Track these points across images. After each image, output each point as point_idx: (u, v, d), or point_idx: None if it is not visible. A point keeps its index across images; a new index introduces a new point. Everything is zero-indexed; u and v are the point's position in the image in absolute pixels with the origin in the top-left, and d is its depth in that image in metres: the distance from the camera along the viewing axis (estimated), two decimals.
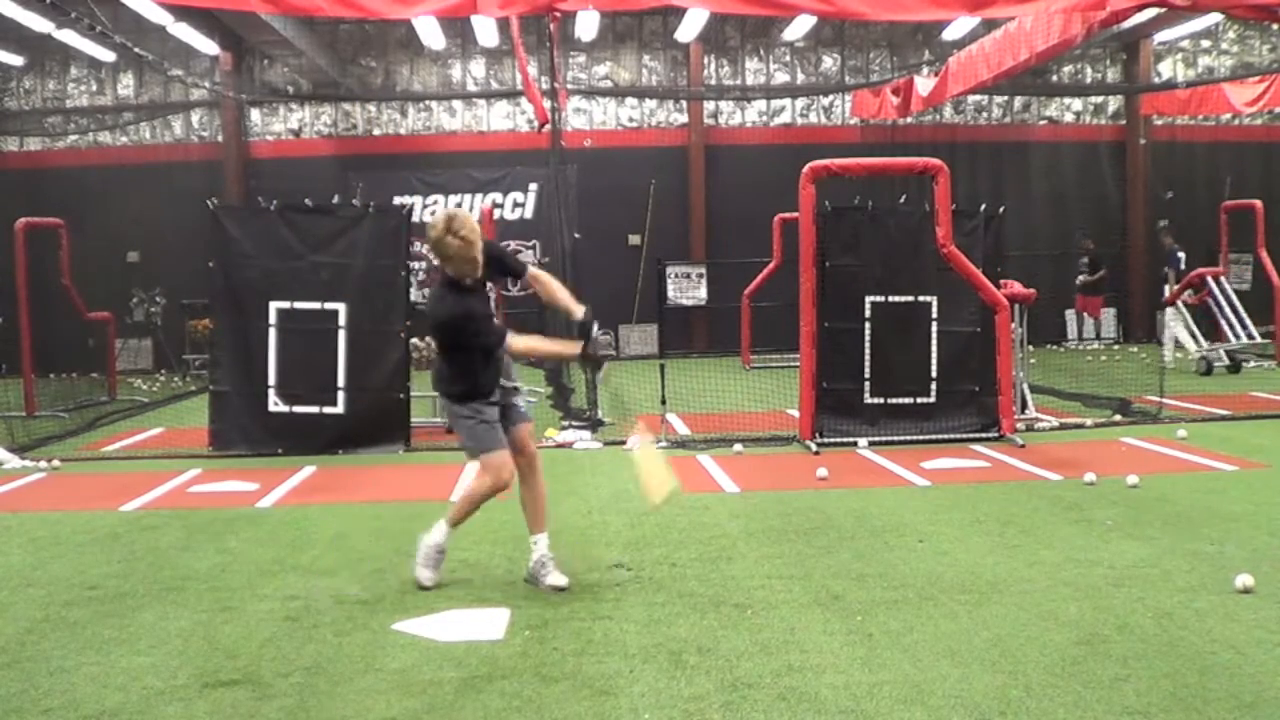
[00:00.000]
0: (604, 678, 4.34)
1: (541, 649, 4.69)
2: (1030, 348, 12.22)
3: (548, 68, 12.96)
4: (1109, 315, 20.76)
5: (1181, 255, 17.42)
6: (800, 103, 21.09)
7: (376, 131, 20.86)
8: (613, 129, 20.87)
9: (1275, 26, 20.11)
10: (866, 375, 10.29)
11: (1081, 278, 19.63)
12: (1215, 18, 18.12)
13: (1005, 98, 20.90)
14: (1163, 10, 12.19)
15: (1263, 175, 19.93)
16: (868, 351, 10.28)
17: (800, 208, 10.14)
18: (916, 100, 17.15)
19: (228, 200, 17.32)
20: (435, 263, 5.49)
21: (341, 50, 20.51)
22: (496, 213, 17.94)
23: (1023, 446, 9.59)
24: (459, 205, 19.66)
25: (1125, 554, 5.98)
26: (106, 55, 19.28)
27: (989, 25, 15.24)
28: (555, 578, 5.56)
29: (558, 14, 11.05)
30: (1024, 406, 11.20)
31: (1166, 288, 17.07)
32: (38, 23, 16.40)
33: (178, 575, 6.02)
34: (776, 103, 21.04)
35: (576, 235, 12.02)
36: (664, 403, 10.74)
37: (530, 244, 19.52)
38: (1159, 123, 21.06)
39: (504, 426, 5.61)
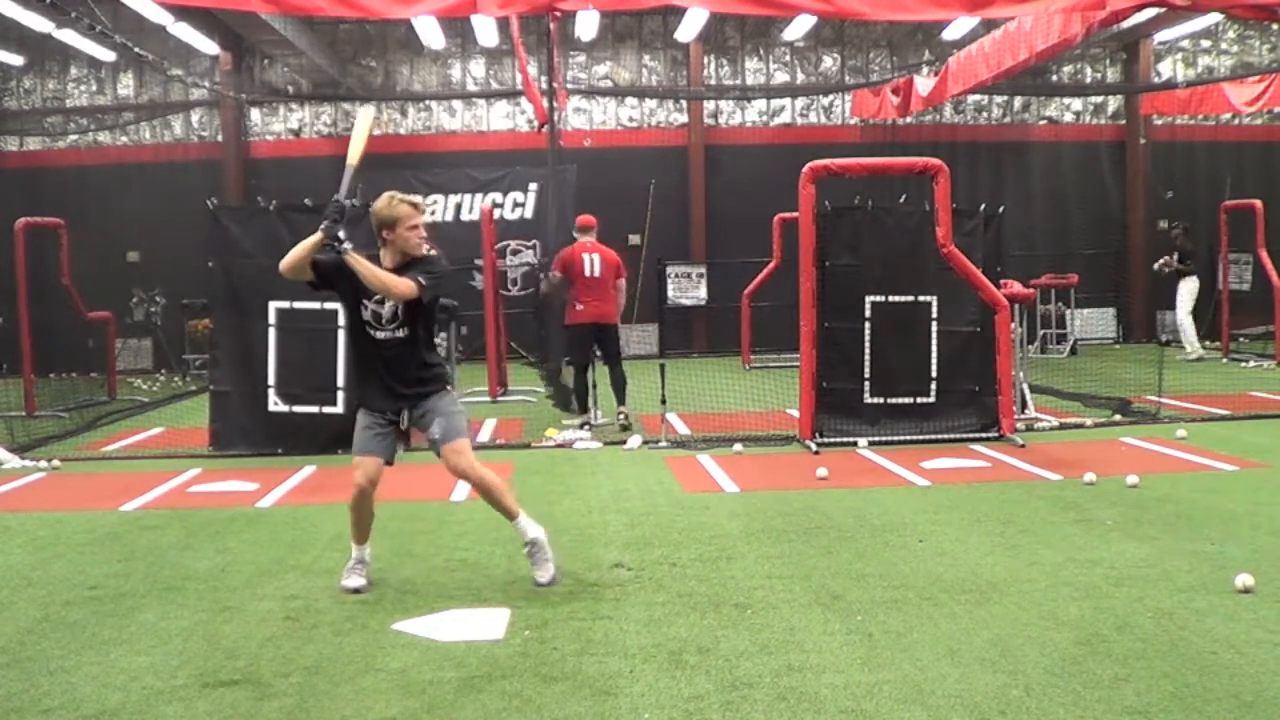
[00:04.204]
0: (604, 678, 4.34)
1: (541, 649, 4.69)
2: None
3: (547, 68, 12.96)
4: (1109, 315, 20.76)
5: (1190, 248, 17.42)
6: (800, 103, 21.08)
7: (376, 131, 20.77)
8: (613, 129, 20.86)
9: (1275, 26, 20.11)
10: (866, 375, 10.28)
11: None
12: (1215, 17, 18.11)
13: (1005, 98, 20.87)
14: (1163, 10, 12.21)
15: (1263, 175, 19.91)
16: (868, 351, 10.28)
17: (800, 207, 10.14)
18: (916, 100, 17.15)
19: (227, 200, 17.30)
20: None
21: (341, 50, 20.50)
22: (496, 213, 17.92)
23: (1023, 446, 9.59)
24: (459, 205, 19.68)
25: (1125, 554, 5.98)
26: (106, 55, 19.28)
27: (989, 25, 15.23)
28: (541, 572, 5.64)
29: (558, 14, 11.06)
30: (1024, 406, 11.21)
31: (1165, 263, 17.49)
32: (38, 23, 16.40)
33: (178, 575, 6.02)
34: (776, 103, 21.03)
35: (576, 235, 12.02)
36: (664, 403, 10.74)
37: (530, 244, 19.52)
38: (1159, 122, 21.05)
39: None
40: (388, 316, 5.56)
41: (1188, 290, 17.06)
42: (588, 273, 11.42)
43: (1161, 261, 17.63)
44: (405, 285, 5.43)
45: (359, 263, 5.40)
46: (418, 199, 5.62)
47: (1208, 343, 18.05)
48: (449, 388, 5.83)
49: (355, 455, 5.75)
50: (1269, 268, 16.28)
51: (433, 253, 5.67)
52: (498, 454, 9.96)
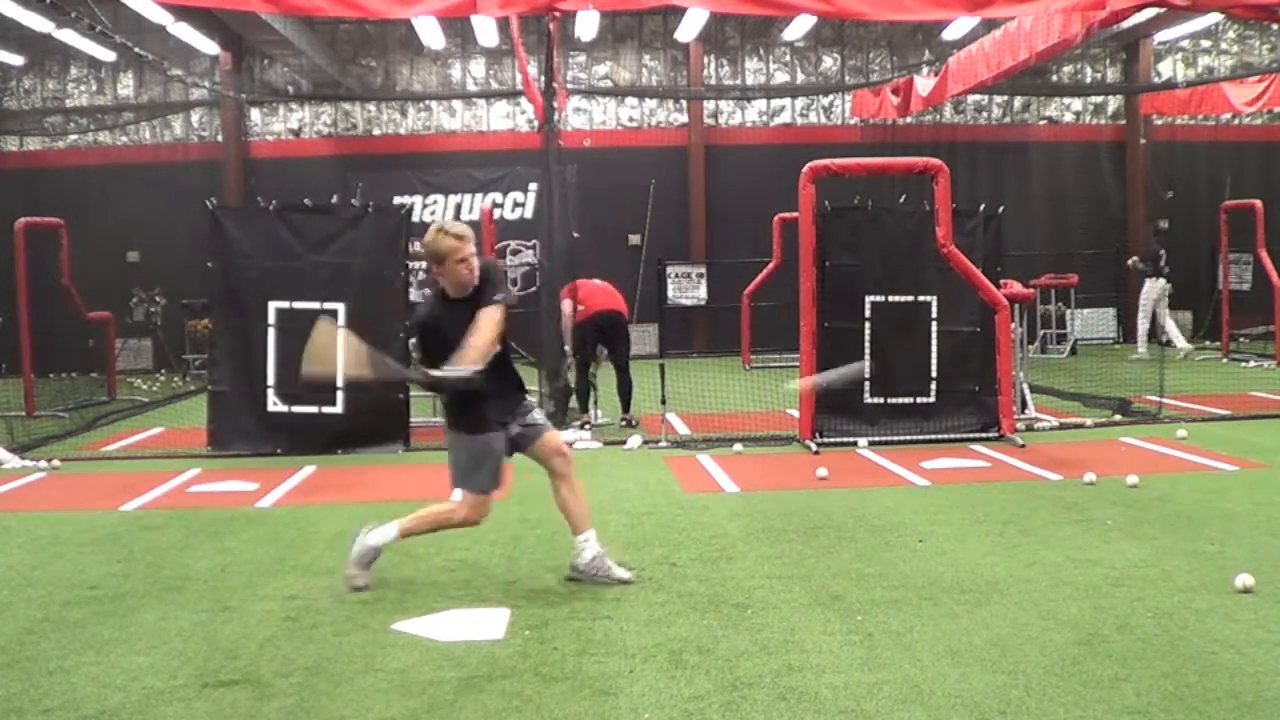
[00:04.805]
0: (604, 678, 4.34)
1: (541, 649, 4.69)
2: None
3: (547, 68, 12.95)
4: (1109, 315, 20.75)
5: (1162, 253, 17.40)
6: (800, 103, 21.08)
7: (376, 131, 20.85)
8: (613, 129, 20.86)
9: (1275, 26, 20.10)
10: (866, 375, 10.28)
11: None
12: (1215, 17, 18.11)
13: (1005, 98, 20.87)
14: (1163, 10, 12.19)
15: (1263, 175, 19.90)
16: (868, 351, 10.27)
17: (800, 207, 10.14)
18: (916, 100, 17.14)
19: (227, 200, 17.29)
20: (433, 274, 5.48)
21: (341, 50, 20.50)
22: (496, 213, 17.93)
23: (1023, 446, 9.59)
24: (459, 205, 19.69)
25: (1125, 554, 5.98)
26: (106, 55, 19.27)
27: (989, 25, 15.22)
28: (621, 571, 5.69)
29: (558, 14, 11.04)
30: (1024, 406, 11.21)
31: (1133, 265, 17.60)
32: (38, 23, 16.40)
33: (178, 575, 6.02)
34: (776, 103, 21.03)
35: (575, 235, 12.03)
36: (664, 403, 10.74)
37: (530, 244, 19.52)
38: (1159, 123, 21.04)
39: (528, 442, 5.61)
40: None
41: (1154, 291, 17.08)
42: (596, 282, 11.65)
43: (1132, 261, 17.76)
44: (494, 327, 5.21)
45: (455, 371, 5.13)
46: (464, 229, 5.35)
47: (1207, 342, 18.08)
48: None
49: (476, 491, 5.51)
50: (1269, 268, 16.28)
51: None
52: None
